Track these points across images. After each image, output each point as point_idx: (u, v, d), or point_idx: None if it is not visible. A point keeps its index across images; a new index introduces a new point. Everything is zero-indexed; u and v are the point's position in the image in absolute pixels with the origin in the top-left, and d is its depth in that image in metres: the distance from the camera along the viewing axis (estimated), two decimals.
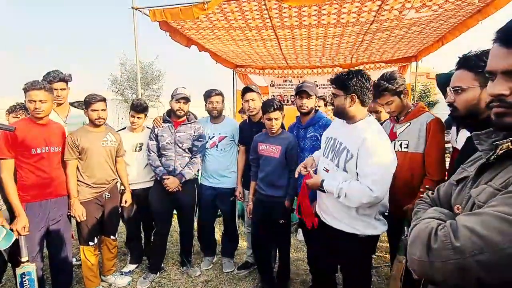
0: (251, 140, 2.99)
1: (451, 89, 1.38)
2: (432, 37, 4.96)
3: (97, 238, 2.91)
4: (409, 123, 2.25)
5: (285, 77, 7.31)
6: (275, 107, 2.65)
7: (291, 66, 7.04)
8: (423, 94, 16.43)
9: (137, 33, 4.64)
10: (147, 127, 3.30)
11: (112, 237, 3.02)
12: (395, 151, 2.32)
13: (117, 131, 3.21)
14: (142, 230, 3.43)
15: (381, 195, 1.77)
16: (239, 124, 3.29)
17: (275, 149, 2.73)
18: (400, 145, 2.28)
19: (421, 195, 1.25)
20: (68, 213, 2.77)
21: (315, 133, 2.62)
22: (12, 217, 2.44)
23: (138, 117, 3.13)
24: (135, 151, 3.17)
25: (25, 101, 2.53)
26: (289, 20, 4.12)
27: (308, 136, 2.66)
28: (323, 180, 1.98)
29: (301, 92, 2.68)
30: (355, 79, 1.86)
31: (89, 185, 2.79)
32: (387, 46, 5.46)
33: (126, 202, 3.08)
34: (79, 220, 2.73)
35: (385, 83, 2.21)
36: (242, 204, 3.65)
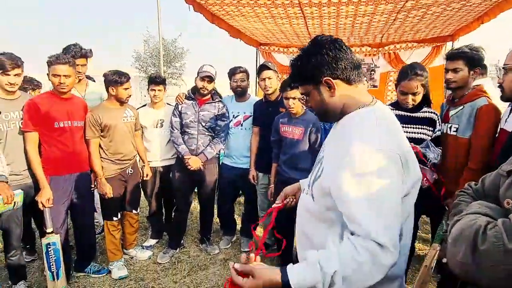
0: (266, 121, 2.90)
1: (499, 67, 1.24)
2: (472, 15, 4.61)
3: (120, 213, 2.96)
4: (462, 107, 2.11)
5: None
6: (292, 85, 2.51)
7: None
8: None
9: (160, 8, 4.57)
10: (168, 104, 3.26)
11: (134, 211, 3.06)
12: (445, 134, 2.21)
13: (138, 108, 3.19)
14: (163, 206, 3.46)
15: (395, 248, 0.90)
16: (253, 104, 3.16)
17: (297, 131, 2.62)
18: (450, 128, 2.19)
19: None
20: (92, 188, 2.81)
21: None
22: (37, 189, 2.50)
23: (158, 90, 3.09)
24: (157, 127, 3.14)
25: (47, 74, 2.52)
26: None
27: None
28: (285, 271, 0.93)
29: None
30: (315, 57, 1.09)
31: (113, 161, 2.80)
32: (422, 25, 5.12)
33: (147, 175, 3.10)
34: (106, 197, 2.76)
35: (466, 49, 2.10)
36: None
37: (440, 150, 2.16)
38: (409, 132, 2.24)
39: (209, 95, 3.06)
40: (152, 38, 18.59)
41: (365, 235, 0.89)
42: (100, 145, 2.76)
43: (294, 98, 2.54)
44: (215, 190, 3.26)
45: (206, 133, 3.03)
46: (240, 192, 3.47)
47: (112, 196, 2.76)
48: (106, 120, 2.71)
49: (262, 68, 2.91)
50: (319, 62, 1.09)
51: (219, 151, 3.21)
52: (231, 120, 3.14)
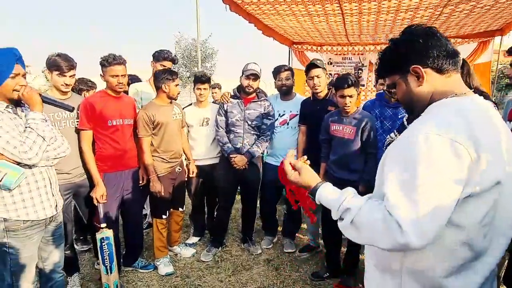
0: (314, 119, 2.84)
1: None
2: None
3: (169, 211, 3.00)
4: None
5: (344, 54, 6.93)
6: (350, 82, 2.44)
7: (352, 42, 6.63)
8: (500, 74, 14.26)
9: (199, 7, 4.60)
10: (213, 102, 3.28)
11: (180, 209, 3.10)
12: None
13: (183, 107, 3.23)
14: (205, 204, 3.48)
15: (420, 238, 0.84)
16: (301, 102, 3.10)
17: (349, 130, 2.54)
18: None
19: None
20: (140, 185, 2.86)
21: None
22: (91, 185, 2.57)
23: (204, 88, 3.11)
24: (202, 125, 3.16)
25: (101, 75, 2.59)
26: None
27: (400, 116, 2.42)
28: (319, 184, 1.14)
29: None
30: (404, 45, 1.05)
31: (164, 159, 2.84)
32: (469, 19, 4.86)
33: (193, 172, 3.13)
34: (158, 196, 2.80)
35: None
36: None
37: None
38: None
39: (254, 93, 3.04)
40: (184, 40, 18.92)
41: (391, 210, 0.87)
42: (152, 143, 2.80)
43: (350, 96, 2.47)
44: (258, 190, 3.23)
45: (252, 132, 3.01)
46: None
47: (162, 194, 2.79)
48: (159, 117, 2.74)
49: (311, 66, 2.84)
50: (407, 50, 1.04)
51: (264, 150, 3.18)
52: (277, 118, 3.11)
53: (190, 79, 17.08)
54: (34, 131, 1.77)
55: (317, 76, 2.81)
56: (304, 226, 3.55)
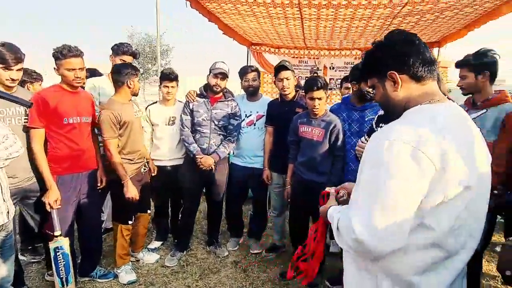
0: (282, 120, 2.87)
1: None
2: (461, 23, 4.78)
3: (135, 215, 2.83)
4: (485, 110, 2.15)
5: (300, 57, 7.14)
6: (320, 85, 2.50)
7: (308, 46, 6.85)
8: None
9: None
10: (179, 101, 3.16)
11: (148, 211, 2.95)
12: None
13: (148, 106, 3.08)
14: (169, 207, 3.34)
15: (373, 241, 0.92)
16: (267, 103, 3.11)
17: (318, 132, 2.61)
18: None
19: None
20: (99, 188, 2.66)
21: (375, 116, 2.49)
22: (43, 189, 2.32)
23: (171, 86, 2.99)
24: (168, 124, 3.02)
25: (55, 69, 2.35)
26: None
27: (366, 119, 2.53)
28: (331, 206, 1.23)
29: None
30: (384, 50, 1.10)
31: (131, 160, 2.68)
32: (415, 31, 5.29)
33: (155, 170, 3.00)
34: (133, 201, 2.62)
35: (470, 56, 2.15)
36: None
37: None
38: None
39: (221, 93, 2.99)
40: (136, 34, 17.99)
41: (351, 216, 0.97)
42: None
43: (319, 99, 2.52)
44: (225, 191, 3.17)
45: (219, 132, 2.95)
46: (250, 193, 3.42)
47: (138, 198, 2.63)
48: (125, 116, 2.57)
49: (280, 68, 2.86)
50: (385, 55, 1.08)
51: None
52: (243, 119, 3.08)
53: (143, 75, 16.32)
54: None
55: (287, 78, 2.84)
56: (270, 225, 3.56)
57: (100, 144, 2.69)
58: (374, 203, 0.92)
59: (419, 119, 0.98)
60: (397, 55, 1.05)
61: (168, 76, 2.95)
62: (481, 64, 2.15)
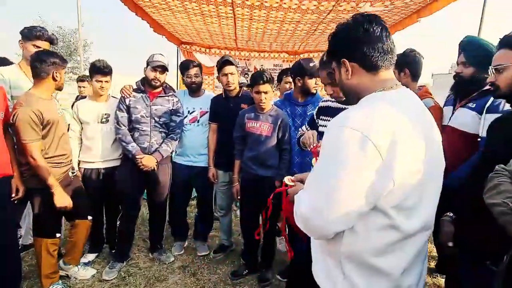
0: (227, 117, 2.82)
1: (493, 68, 1.47)
2: (388, 23, 5.30)
3: (73, 223, 2.48)
4: None
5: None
6: (265, 79, 2.51)
7: (239, 47, 6.92)
8: None
9: None
10: (112, 96, 2.87)
11: (89, 217, 2.58)
12: None
13: (74, 101, 2.75)
14: (103, 214, 3.01)
15: (318, 222, 0.98)
16: (211, 99, 3.02)
17: (266, 127, 2.62)
18: None
19: None
20: (14, 199, 2.25)
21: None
22: None
23: (105, 81, 2.70)
24: (101, 122, 2.72)
25: None
26: None
27: (308, 113, 2.62)
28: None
29: (313, 73, 2.57)
30: (340, 36, 1.08)
31: (58, 164, 2.33)
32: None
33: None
34: (67, 209, 2.28)
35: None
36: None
37: None
38: None
39: (161, 88, 2.81)
40: (47, 26, 15.77)
41: (300, 200, 1.05)
42: None
43: (266, 93, 2.52)
44: (168, 192, 2.98)
45: (160, 130, 2.76)
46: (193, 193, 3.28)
47: (71, 207, 2.30)
48: (47, 115, 2.20)
49: (225, 63, 2.79)
50: (340, 42, 1.08)
51: None
52: (186, 116, 2.94)
53: None
54: None
55: (231, 73, 2.79)
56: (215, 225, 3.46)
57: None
58: (320, 187, 0.97)
59: (370, 107, 0.98)
60: (349, 42, 1.05)
61: (102, 70, 2.65)
62: (406, 62, 2.39)
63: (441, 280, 2.77)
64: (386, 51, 1.03)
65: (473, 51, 2.01)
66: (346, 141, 0.91)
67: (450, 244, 1.50)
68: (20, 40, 2.57)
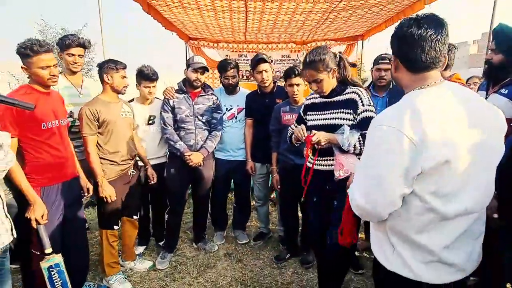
0: (262, 112, 2.98)
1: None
2: (383, 18, 5.35)
3: (121, 220, 2.64)
4: None
5: (240, 51, 7.24)
6: (297, 72, 2.67)
7: (247, 40, 6.99)
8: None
9: None
10: (157, 98, 3.03)
11: (134, 217, 2.76)
12: None
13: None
14: (150, 209, 3.20)
15: (368, 206, 1.17)
16: (246, 96, 3.18)
17: None
18: None
19: None
20: (83, 194, 2.43)
21: None
22: (21, 207, 2.03)
23: (153, 86, 2.86)
24: (148, 124, 2.89)
25: (24, 68, 2.06)
26: None
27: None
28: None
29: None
30: (398, 35, 1.20)
31: (114, 162, 2.49)
32: (345, 25, 5.82)
33: (153, 177, 2.85)
34: (109, 201, 2.44)
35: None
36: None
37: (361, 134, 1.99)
38: (324, 119, 2.14)
39: (200, 87, 2.95)
40: (50, 28, 15.37)
41: (353, 189, 1.25)
42: (98, 144, 2.45)
43: (298, 85, 2.69)
44: (211, 186, 3.16)
45: (204, 127, 2.92)
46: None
47: (113, 200, 2.46)
48: (105, 114, 2.40)
49: (259, 61, 2.94)
50: (395, 42, 1.21)
51: None
52: (224, 113, 3.10)
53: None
54: None
55: (265, 71, 2.94)
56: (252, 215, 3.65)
57: (76, 150, 2.46)
58: (366, 176, 1.18)
59: (405, 105, 1.14)
60: (395, 41, 1.20)
61: (150, 77, 2.80)
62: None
63: None
64: (429, 54, 1.12)
65: (503, 39, 2.14)
66: (384, 136, 1.09)
67: (495, 215, 1.65)
68: (58, 52, 2.72)
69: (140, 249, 3.11)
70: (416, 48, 1.13)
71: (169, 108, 2.83)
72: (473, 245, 1.22)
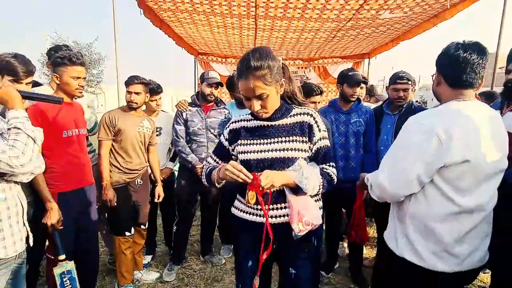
0: None
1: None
2: (390, 37, 5.47)
3: (133, 227, 2.68)
4: None
5: None
6: (318, 91, 2.78)
7: None
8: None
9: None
10: (163, 111, 3.12)
11: (142, 226, 2.80)
12: None
13: None
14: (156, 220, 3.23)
15: (389, 185, 1.39)
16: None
17: None
18: None
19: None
20: (98, 204, 2.47)
21: (359, 119, 2.82)
22: (36, 212, 2.07)
23: (159, 98, 3.03)
24: (156, 135, 2.96)
25: (56, 76, 2.13)
26: (274, 11, 4.18)
27: (352, 121, 2.84)
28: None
29: (358, 82, 2.77)
30: (444, 56, 1.41)
31: (122, 169, 2.58)
32: (352, 43, 5.94)
33: (159, 196, 2.86)
34: (109, 205, 2.51)
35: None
36: None
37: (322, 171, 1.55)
38: (267, 151, 1.52)
39: (213, 101, 3.02)
40: (62, 42, 15.84)
41: (379, 171, 1.47)
42: (111, 151, 2.60)
43: (319, 103, 2.81)
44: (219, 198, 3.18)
45: (215, 140, 2.97)
46: None
47: (115, 205, 2.53)
48: (121, 123, 2.53)
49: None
50: (440, 61, 1.41)
51: None
52: None
53: None
54: (22, 132, 1.42)
55: None
56: None
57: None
58: (392, 160, 1.41)
59: (440, 111, 1.36)
60: (443, 66, 1.40)
61: (156, 90, 2.97)
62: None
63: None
64: (470, 75, 1.31)
65: None
66: (418, 131, 1.31)
67: None
68: (47, 63, 2.82)
69: (148, 258, 3.12)
70: (459, 68, 1.32)
71: (182, 120, 2.90)
72: (479, 242, 1.38)
